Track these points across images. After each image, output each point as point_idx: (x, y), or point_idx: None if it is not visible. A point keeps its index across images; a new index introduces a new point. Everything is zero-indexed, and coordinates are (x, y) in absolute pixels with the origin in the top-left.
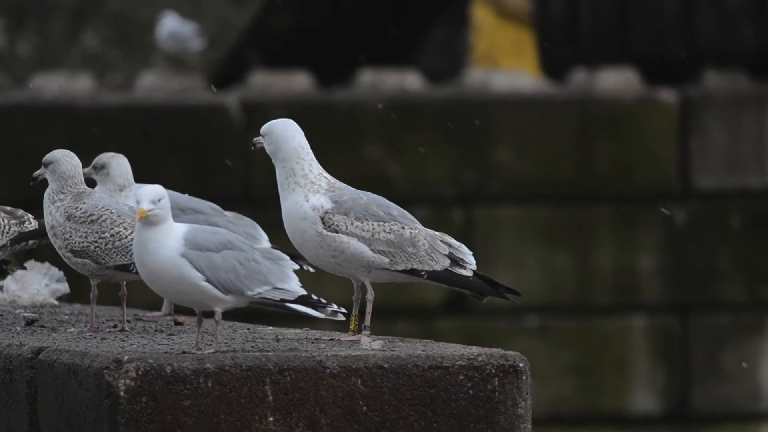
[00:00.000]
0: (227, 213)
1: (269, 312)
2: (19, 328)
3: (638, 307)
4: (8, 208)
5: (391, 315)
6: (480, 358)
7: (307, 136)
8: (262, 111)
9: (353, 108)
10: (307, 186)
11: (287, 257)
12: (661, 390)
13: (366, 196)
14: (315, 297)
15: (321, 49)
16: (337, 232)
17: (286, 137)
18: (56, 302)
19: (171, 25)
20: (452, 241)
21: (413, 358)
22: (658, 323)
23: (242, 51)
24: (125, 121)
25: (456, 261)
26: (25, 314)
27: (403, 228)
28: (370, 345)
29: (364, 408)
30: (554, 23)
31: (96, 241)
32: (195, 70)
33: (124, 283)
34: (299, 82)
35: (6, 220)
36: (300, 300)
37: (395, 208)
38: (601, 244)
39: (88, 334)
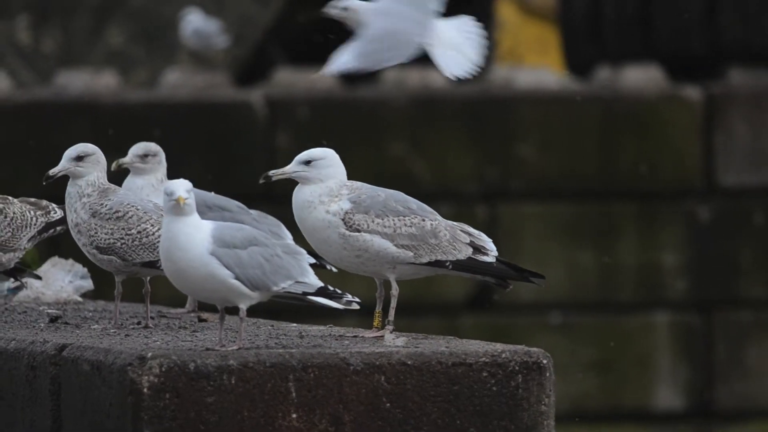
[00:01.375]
0: (252, 211)
1: (293, 308)
2: (42, 325)
3: (661, 303)
4: (32, 199)
5: (415, 311)
6: (503, 355)
7: (331, 132)
8: (286, 108)
9: (377, 105)
10: (331, 201)
11: (304, 251)
12: (684, 387)
13: (384, 193)
14: (332, 288)
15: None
16: (359, 231)
17: (338, 164)
18: (80, 299)
19: (195, 22)
20: (471, 229)
21: (437, 355)
22: (681, 320)
23: (266, 47)
24: (149, 118)
25: (478, 249)
26: (49, 311)
27: (424, 220)
28: (393, 342)
29: (388, 405)
30: (578, 20)
31: (123, 238)
32: (219, 67)
33: (148, 279)
34: (323, 78)
35: (33, 212)
36: (319, 292)
37: (413, 202)
38: (624, 241)
39: (112, 330)
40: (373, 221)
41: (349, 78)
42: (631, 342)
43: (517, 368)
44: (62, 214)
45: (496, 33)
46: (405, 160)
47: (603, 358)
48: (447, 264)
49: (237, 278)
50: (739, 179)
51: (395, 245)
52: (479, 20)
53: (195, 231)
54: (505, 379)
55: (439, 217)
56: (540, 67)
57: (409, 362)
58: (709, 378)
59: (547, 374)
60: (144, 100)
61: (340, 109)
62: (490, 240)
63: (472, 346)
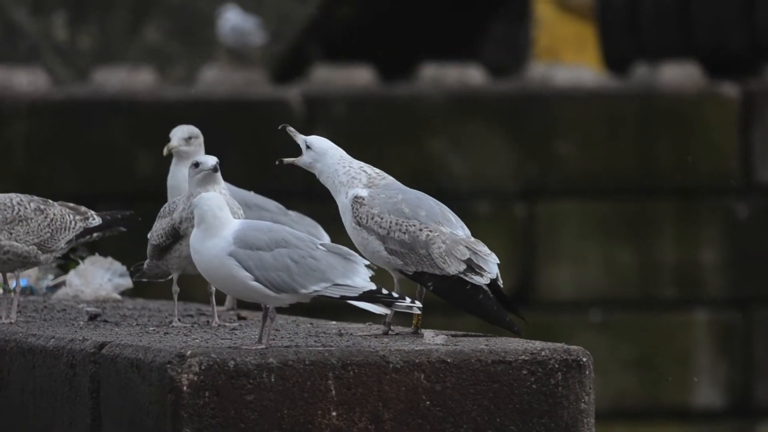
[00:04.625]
0: (290, 212)
1: (332, 307)
2: (82, 323)
3: (701, 301)
4: (71, 204)
5: (455, 310)
6: (543, 353)
7: (368, 129)
8: (323, 105)
9: (415, 102)
10: (349, 182)
11: (354, 253)
12: (723, 384)
13: (404, 195)
14: (386, 291)
15: (383, 42)
16: (359, 225)
17: (325, 147)
18: (119, 297)
19: (233, 19)
20: (482, 248)
21: (476, 353)
22: (720, 317)
23: (304, 45)
24: (186, 116)
25: (473, 268)
26: (88, 309)
27: (421, 230)
28: (433, 340)
29: (427, 403)
30: (616, 17)
31: None
32: (257, 64)
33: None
34: (361, 76)
35: (72, 216)
36: (365, 296)
37: (427, 209)
38: (663, 238)
39: (151, 328)
40: (372, 218)
41: (387, 74)
42: (671, 339)
43: (556, 366)
44: (100, 221)
45: (532, 30)
46: (442, 157)
47: (643, 356)
48: (429, 284)
49: (257, 280)
50: None
51: (386, 249)
52: (515, 18)
53: (214, 235)
54: (544, 377)
55: (448, 229)
56: (577, 64)
57: (448, 360)
58: (749, 375)
59: (587, 372)
60: (181, 97)
61: (378, 107)
62: (496, 262)
63: (512, 344)
